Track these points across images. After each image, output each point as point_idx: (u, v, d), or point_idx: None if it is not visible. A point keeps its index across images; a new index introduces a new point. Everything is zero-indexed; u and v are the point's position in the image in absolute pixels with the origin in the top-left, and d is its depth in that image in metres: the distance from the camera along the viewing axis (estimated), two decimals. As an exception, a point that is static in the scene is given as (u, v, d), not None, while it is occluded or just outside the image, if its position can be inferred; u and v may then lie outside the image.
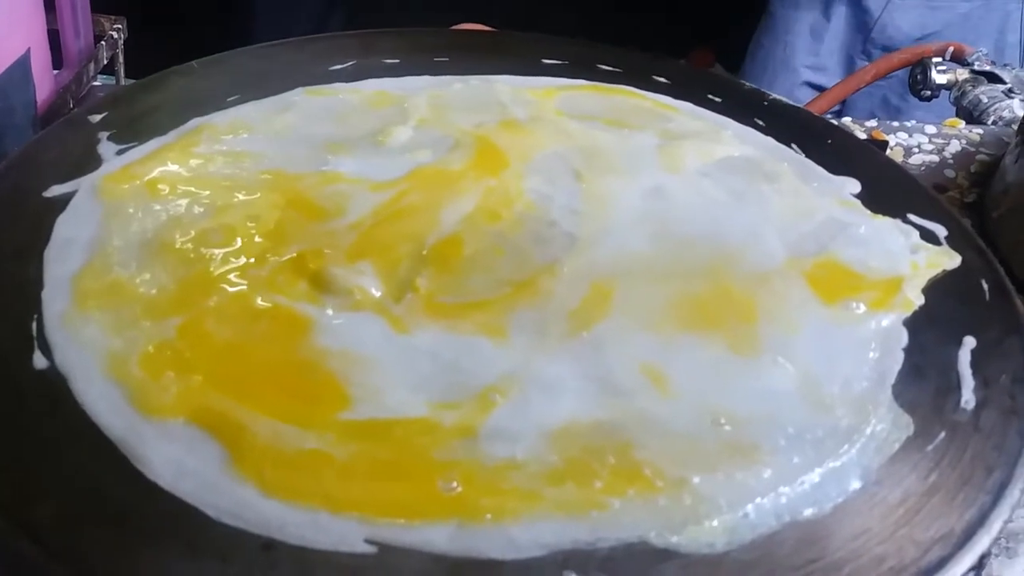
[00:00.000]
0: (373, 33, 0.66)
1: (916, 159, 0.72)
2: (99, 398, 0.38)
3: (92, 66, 0.71)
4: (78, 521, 0.34)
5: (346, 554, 0.33)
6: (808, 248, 0.48)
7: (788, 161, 0.55)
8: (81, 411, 0.37)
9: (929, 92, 0.87)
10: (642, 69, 0.64)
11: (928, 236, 0.50)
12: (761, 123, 0.59)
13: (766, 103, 0.61)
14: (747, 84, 0.64)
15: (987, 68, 0.85)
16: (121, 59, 0.76)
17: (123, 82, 0.76)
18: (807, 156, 0.56)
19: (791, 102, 0.62)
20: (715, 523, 0.34)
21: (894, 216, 0.51)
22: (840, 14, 1.17)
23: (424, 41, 0.66)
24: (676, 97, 0.61)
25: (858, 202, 0.52)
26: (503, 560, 0.33)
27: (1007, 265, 0.59)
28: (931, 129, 0.75)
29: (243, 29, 1.53)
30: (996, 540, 0.37)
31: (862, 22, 1.17)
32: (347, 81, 0.60)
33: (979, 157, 0.72)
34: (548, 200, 0.51)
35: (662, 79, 0.63)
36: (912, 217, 0.51)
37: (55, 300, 0.42)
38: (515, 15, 0.82)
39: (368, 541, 0.33)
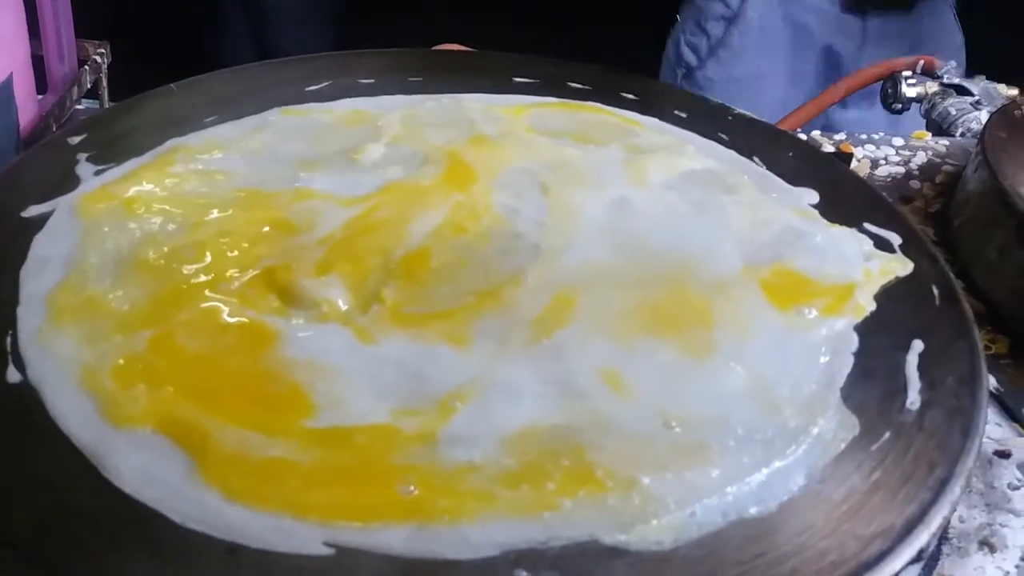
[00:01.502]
0: (349, 54, 0.67)
1: (883, 171, 0.73)
2: (70, 409, 0.39)
3: (76, 90, 0.72)
4: (49, 527, 0.35)
5: (306, 556, 0.34)
6: (765, 257, 0.50)
7: (748, 173, 0.57)
8: (52, 422, 0.38)
9: (900, 105, 0.88)
10: (611, 86, 0.65)
11: (883, 244, 0.51)
12: (724, 137, 0.60)
13: (730, 118, 0.63)
14: (712, 99, 0.65)
15: (956, 81, 0.87)
16: (105, 83, 0.77)
17: (107, 106, 0.78)
18: (768, 168, 0.58)
19: (754, 116, 0.63)
20: (663, 521, 0.36)
21: (851, 225, 0.53)
22: (808, 71, 1.16)
23: (399, 61, 0.67)
24: (643, 113, 0.63)
25: (815, 212, 0.54)
26: (458, 560, 0.34)
27: (967, 272, 0.61)
28: (898, 141, 0.77)
29: (229, 51, 1.55)
30: (939, 535, 0.38)
31: (834, 64, 1.16)
32: (323, 101, 0.62)
33: (945, 168, 0.73)
34: (515, 213, 0.52)
35: (630, 96, 0.64)
36: (868, 226, 0.53)
37: (30, 316, 0.43)
38: (507, 38, 0.83)
39: (326, 544, 0.34)
